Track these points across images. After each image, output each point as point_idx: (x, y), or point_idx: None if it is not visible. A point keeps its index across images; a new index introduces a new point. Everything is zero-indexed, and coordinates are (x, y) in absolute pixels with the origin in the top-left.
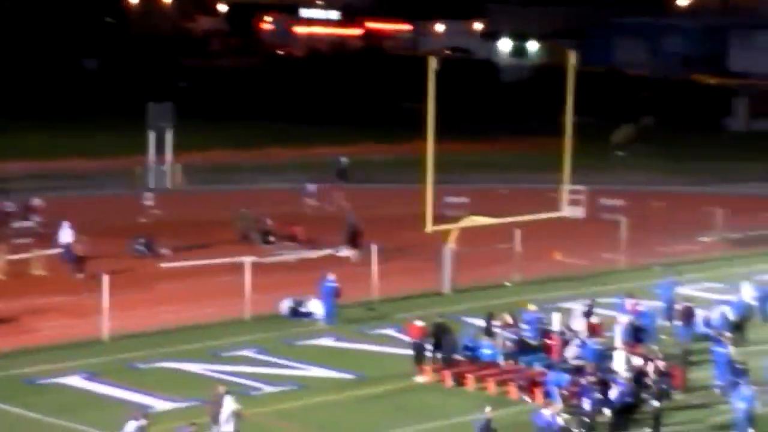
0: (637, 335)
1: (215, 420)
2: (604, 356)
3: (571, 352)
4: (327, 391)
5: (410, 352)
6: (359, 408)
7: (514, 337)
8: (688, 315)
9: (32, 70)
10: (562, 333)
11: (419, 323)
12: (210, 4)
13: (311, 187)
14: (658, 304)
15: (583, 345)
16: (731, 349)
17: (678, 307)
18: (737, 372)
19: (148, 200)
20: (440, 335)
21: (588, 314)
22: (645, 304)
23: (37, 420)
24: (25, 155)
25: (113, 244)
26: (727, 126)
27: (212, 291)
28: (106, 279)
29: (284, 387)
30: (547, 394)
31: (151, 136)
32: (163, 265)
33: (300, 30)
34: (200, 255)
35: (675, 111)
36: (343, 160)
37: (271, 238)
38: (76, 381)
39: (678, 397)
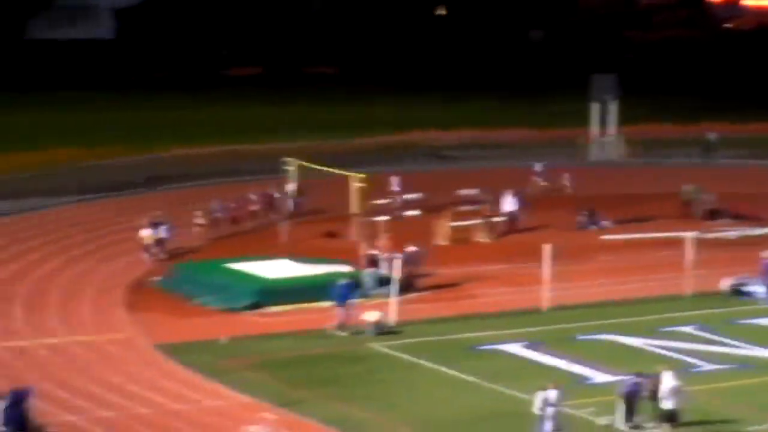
0: None
1: (653, 396)
2: None
3: None
4: None
5: None
6: None
7: None
8: None
9: (483, 42)
10: None
11: None
12: None
13: (538, 166)
14: None
15: None
16: None
17: None
18: None
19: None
20: None
21: None
22: None
23: (474, 383)
24: (473, 123)
25: (554, 215)
26: None
27: (651, 265)
28: (547, 249)
29: (725, 366)
30: None
31: (595, 108)
32: (604, 237)
33: (751, 2)
34: (640, 228)
35: None
36: (712, 135)
37: (716, 214)
38: (515, 349)
39: None
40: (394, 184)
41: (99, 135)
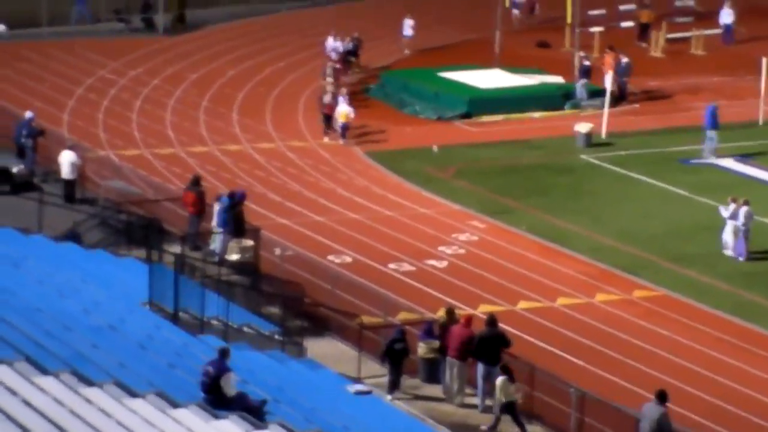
0: None
1: None
2: None
3: None
4: None
5: None
6: None
7: None
8: None
9: None
10: None
11: None
12: None
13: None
14: None
15: None
16: None
17: None
18: None
19: None
20: None
21: None
22: None
23: (684, 197)
24: None
25: None
26: None
27: None
28: (765, 62)
29: None
30: None
31: None
32: None
33: None
34: None
35: None
36: None
37: None
38: (728, 163)
39: None
40: None
41: None
